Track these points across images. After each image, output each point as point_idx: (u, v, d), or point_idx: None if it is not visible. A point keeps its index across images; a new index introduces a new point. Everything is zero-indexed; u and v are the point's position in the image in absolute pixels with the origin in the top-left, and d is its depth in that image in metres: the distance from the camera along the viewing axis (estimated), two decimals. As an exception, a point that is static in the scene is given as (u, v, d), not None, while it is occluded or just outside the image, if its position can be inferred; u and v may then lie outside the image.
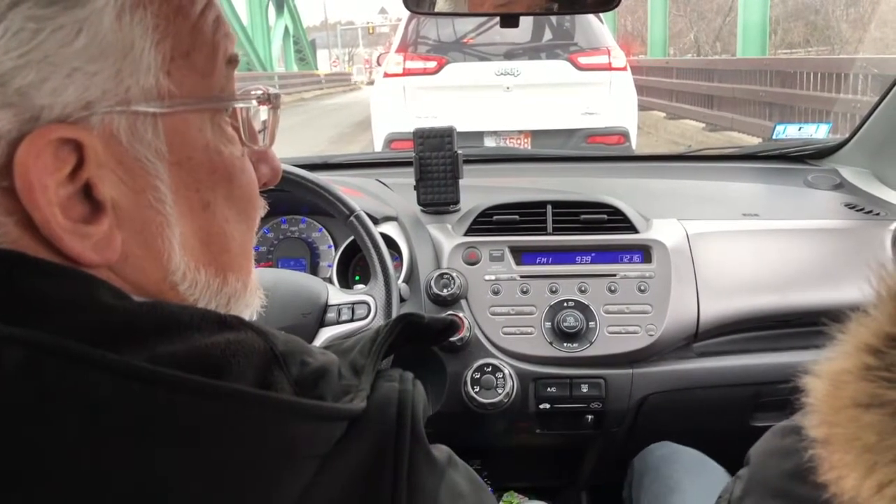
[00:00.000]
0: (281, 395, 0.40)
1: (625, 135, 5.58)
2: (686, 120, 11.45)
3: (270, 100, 0.52)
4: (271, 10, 29.71)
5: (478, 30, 5.81)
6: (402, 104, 5.62)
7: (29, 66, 0.38)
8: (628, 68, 5.84)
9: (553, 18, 5.72)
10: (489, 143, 5.54)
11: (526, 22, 5.48)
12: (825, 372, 0.49)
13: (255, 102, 0.50)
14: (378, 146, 5.69)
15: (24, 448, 0.33)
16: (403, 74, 5.65)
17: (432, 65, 5.67)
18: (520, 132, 5.59)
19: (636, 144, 5.82)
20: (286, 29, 31.36)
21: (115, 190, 0.41)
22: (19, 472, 0.33)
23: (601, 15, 5.94)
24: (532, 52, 5.89)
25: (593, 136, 5.55)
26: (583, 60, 5.63)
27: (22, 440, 0.34)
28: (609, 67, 5.64)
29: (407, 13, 5.08)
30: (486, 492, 0.52)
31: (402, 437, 0.43)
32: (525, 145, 5.55)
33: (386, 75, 5.78)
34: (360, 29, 61.16)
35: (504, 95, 5.58)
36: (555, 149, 5.28)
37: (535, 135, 5.59)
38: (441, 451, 0.48)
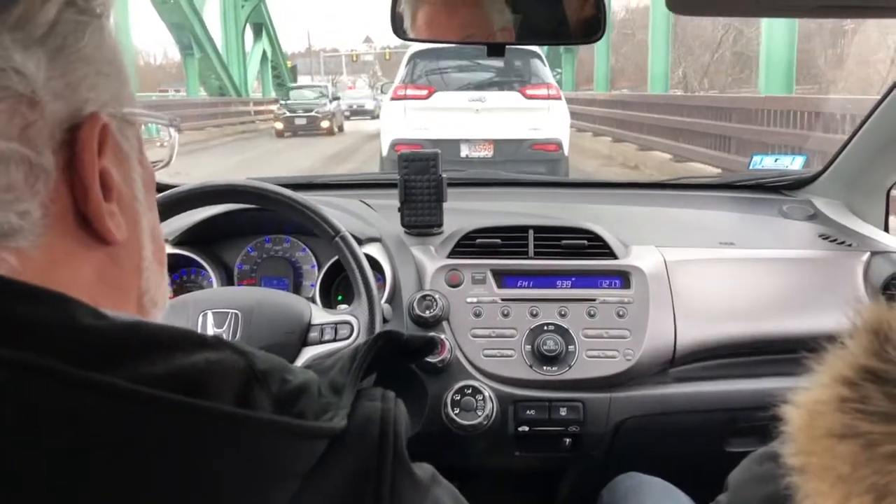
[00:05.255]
0: (261, 413, 0.39)
1: (559, 144, 8.02)
2: (692, 163, 11.12)
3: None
4: (249, 34, 28.68)
5: (458, 69, 8.37)
6: (402, 119, 7.99)
7: (76, 62, 0.42)
8: (563, 98, 8.43)
9: (508, 63, 8.31)
10: (464, 148, 7.95)
11: (490, 66, 8.28)
12: (802, 402, 0.51)
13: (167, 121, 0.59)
14: (385, 150, 8.08)
15: (7, 469, 0.34)
16: (404, 98, 8.06)
17: (424, 92, 8.06)
18: (485, 140, 7.97)
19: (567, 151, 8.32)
20: (264, 53, 30.63)
21: (117, 178, 0.46)
22: (2, 492, 0.34)
23: (545, 59, 8.75)
24: (494, 85, 8.36)
25: (537, 144, 7.97)
26: (529, 92, 8.10)
27: (4, 461, 0.34)
28: (548, 97, 8.10)
29: (404, 53, 8.50)
30: None
31: (385, 456, 0.43)
32: (488, 150, 7.99)
33: (392, 99, 8.26)
34: (343, 56, 61.35)
35: (474, 115, 7.95)
36: (509, 154, 7.88)
37: (496, 142, 7.96)
38: (425, 469, 0.48)
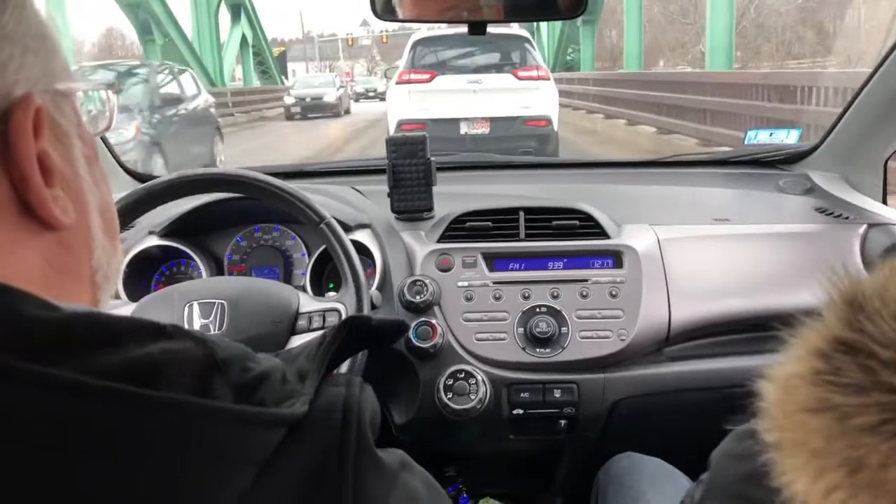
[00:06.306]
0: (214, 402, 0.39)
1: (549, 120, 8.85)
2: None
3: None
4: (226, 16, 25.06)
5: (456, 54, 9.26)
6: (407, 101, 8.83)
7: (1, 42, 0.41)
8: (551, 79, 9.30)
9: (501, 48, 9.22)
10: (463, 126, 8.77)
11: (486, 50, 9.24)
12: (777, 376, 0.49)
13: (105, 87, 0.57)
14: (392, 130, 8.76)
15: None
16: (408, 82, 8.86)
17: (427, 76, 8.88)
18: (482, 118, 8.78)
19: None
20: (244, 38, 26.72)
21: (57, 158, 0.45)
22: None
23: (535, 44, 9.66)
24: (490, 69, 9.14)
25: (528, 121, 8.76)
26: (521, 74, 8.92)
27: None
28: (538, 78, 8.92)
29: (402, 37, 10.21)
30: (443, 496, 0.51)
31: (347, 442, 0.42)
32: (485, 127, 8.79)
33: (397, 83, 9.07)
34: (340, 41, 60.93)
35: (473, 95, 8.77)
36: (504, 130, 8.67)
37: (493, 120, 8.77)
38: (393, 455, 0.47)
